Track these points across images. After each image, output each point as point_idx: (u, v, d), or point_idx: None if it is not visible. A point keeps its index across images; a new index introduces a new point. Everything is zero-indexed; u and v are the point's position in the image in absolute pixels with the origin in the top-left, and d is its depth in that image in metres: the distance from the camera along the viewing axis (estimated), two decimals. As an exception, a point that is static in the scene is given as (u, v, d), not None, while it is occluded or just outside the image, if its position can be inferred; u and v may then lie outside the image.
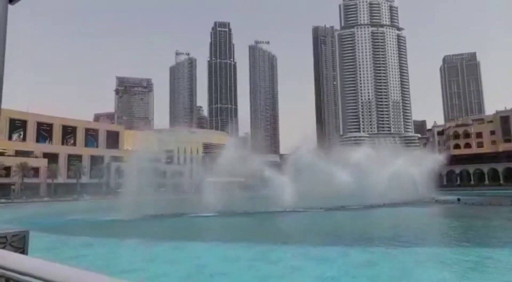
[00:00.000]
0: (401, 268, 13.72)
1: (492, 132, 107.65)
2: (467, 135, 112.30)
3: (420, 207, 44.51)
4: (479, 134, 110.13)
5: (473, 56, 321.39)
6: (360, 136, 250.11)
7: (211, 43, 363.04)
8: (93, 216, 38.24)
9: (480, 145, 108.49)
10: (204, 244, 20.42)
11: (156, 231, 27.16)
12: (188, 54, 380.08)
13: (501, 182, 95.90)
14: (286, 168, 54.99)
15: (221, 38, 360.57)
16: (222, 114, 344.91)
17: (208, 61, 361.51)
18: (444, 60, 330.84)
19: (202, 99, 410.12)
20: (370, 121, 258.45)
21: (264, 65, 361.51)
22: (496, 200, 50.43)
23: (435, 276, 12.48)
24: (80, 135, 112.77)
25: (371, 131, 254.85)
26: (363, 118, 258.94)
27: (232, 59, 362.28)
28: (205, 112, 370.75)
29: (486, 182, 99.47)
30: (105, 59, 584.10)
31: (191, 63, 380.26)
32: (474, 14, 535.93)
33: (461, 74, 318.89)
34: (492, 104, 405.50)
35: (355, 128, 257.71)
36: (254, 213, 39.33)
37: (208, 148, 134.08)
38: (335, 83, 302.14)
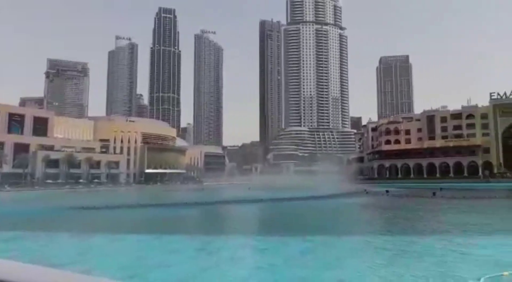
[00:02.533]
0: (337, 255, 14.52)
1: (419, 130, 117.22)
2: (397, 132, 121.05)
3: (353, 198, 47.35)
4: (407, 132, 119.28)
5: (406, 59, 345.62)
6: (301, 131, 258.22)
7: (154, 30, 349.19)
8: (18, 208, 35.27)
9: (408, 141, 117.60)
10: (143, 236, 19.85)
11: (89, 224, 25.80)
12: (129, 39, 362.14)
13: (425, 176, 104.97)
14: (230, 160, 55.06)
15: (165, 25, 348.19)
16: (163, 104, 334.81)
17: (151, 48, 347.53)
18: (380, 61, 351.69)
19: (143, 87, 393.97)
20: (311, 116, 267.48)
21: (210, 56, 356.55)
22: (419, 192, 55.25)
23: (367, 262, 13.40)
24: (3, 121, 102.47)
25: (311, 126, 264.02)
26: (304, 113, 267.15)
27: (176, 48, 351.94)
28: (146, 101, 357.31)
29: (412, 175, 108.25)
30: (37, 42, 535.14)
31: (132, 48, 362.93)
32: (409, 20, 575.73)
33: (394, 75, 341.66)
34: (420, 104, 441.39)
35: (296, 122, 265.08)
36: (195, 204, 39.01)
37: (148, 138, 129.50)
38: (279, 77, 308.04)
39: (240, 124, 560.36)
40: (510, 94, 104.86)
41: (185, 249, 16.08)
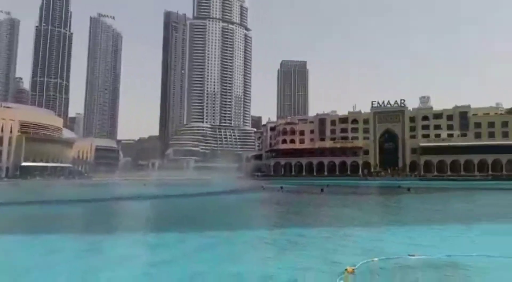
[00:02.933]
0: (233, 250, 14.79)
1: (312, 131, 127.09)
2: (293, 132, 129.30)
3: (251, 194, 49.05)
4: (302, 132, 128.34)
5: (304, 64, 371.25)
6: (203, 127, 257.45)
7: (42, 7, 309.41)
8: None
9: (302, 141, 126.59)
10: (19, 237, 17.43)
11: None
12: (8, 13, 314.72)
13: (315, 173, 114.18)
14: (125, 154, 51.97)
15: (55, 2, 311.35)
16: (49, 90, 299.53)
17: (37, 26, 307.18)
18: (281, 64, 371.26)
19: (24, 70, 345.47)
20: (214, 113, 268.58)
21: (107, 41, 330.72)
22: (309, 188, 59.92)
23: (261, 254, 13.95)
24: None
25: (213, 122, 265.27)
26: (207, 110, 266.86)
27: (67, 29, 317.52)
28: (27, 85, 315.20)
29: (304, 173, 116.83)
30: None
31: (13, 25, 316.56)
32: (308, 26, 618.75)
33: (293, 79, 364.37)
34: (314, 108, 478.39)
35: (199, 118, 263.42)
36: (81, 202, 35.82)
37: (26, 127, 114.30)
38: (183, 71, 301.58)
39: (138, 117, 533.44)
40: (387, 104, 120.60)
41: (69, 249, 14.62)
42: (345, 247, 14.93)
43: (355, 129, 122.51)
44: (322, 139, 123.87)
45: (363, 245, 15.06)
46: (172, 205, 36.06)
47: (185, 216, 26.58)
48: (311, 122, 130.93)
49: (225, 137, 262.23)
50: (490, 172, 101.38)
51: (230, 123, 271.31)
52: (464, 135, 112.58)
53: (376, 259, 11.67)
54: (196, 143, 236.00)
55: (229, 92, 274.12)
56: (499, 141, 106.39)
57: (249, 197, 44.74)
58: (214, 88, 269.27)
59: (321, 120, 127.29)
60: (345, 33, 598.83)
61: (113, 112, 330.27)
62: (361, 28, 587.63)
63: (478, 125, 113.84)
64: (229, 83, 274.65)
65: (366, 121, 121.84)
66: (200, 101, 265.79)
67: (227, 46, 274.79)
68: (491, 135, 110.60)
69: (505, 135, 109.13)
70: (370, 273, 10.60)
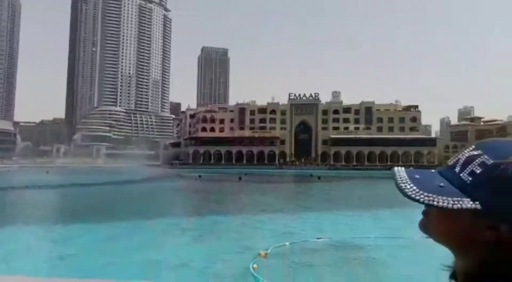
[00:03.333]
0: (147, 238, 14.29)
1: (232, 120, 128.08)
2: (213, 120, 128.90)
3: (168, 182, 47.90)
4: (222, 121, 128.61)
5: (225, 52, 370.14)
6: (116, 111, 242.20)
7: None
8: None
9: (222, 129, 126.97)
10: None
11: None
12: None
13: (234, 162, 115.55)
14: (24, 138, 46.61)
15: None
16: None
17: None
18: (202, 50, 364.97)
19: None
20: (129, 96, 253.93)
21: (1, 10, 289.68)
22: (228, 177, 60.63)
23: (175, 241, 13.74)
24: None
25: (128, 107, 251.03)
26: (121, 93, 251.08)
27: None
28: None
29: (223, 162, 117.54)
30: None
31: None
32: (232, 13, 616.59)
33: (214, 66, 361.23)
34: (235, 97, 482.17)
35: (111, 101, 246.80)
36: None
37: None
38: (94, 49, 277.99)
39: (41, 97, 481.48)
40: (303, 97, 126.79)
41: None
42: (259, 233, 15.49)
43: (273, 120, 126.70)
44: (242, 128, 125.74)
45: (275, 231, 15.75)
46: (80, 194, 33.48)
47: (95, 206, 24.88)
48: (231, 111, 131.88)
49: (140, 123, 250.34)
50: (389, 163, 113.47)
51: (147, 108, 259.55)
52: (368, 128, 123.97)
53: (287, 243, 12.37)
54: (108, 128, 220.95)
55: (146, 76, 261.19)
56: (396, 135, 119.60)
57: (165, 186, 43.62)
58: (130, 70, 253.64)
59: (241, 109, 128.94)
60: (269, 23, 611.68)
61: (9, 89, 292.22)
62: (286, 19, 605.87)
63: (380, 120, 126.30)
64: (146, 66, 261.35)
65: (283, 113, 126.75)
66: (113, 83, 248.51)
67: (144, 26, 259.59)
68: (391, 129, 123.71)
69: (402, 129, 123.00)
70: (282, 256, 11.17)
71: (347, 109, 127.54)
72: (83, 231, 15.35)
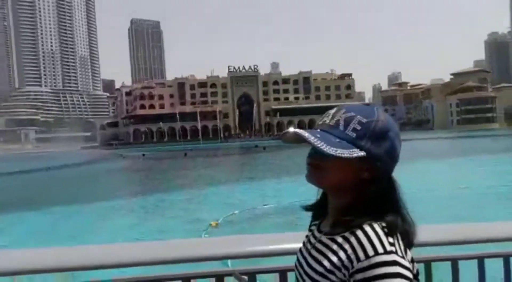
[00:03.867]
0: (88, 223, 13.61)
1: (171, 96, 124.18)
2: (151, 97, 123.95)
3: (109, 164, 45.77)
4: (161, 97, 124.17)
5: (157, 24, 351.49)
6: (41, 92, 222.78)
7: None
8: None
9: (162, 106, 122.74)
10: None
11: None
12: None
13: (178, 138, 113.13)
14: None
15: None
16: None
17: None
18: (132, 23, 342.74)
19: None
20: (54, 75, 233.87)
21: None
22: (173, 154, 59.43)
23: (120, 222, 13.28)
24: None
25: (55, 86, 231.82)
26: (45, 71, 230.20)
27: None
28: None
29: (166, 139, 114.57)
30: None
31: None
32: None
33: (147, 40, 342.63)
34: (172, 71, 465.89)
35: (35, 81, 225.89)
36: None
37: None
38: (6, 23, 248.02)
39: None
40: (243, 69, 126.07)
41: None
42: (207, 205, 15.53)
43: (214, 94, 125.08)
44: (183, 103, 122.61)
45: (223, 202, 15.88)
46: (8, 184, 30.78)
47: (27, 194, 23.05)
48: (170, 86, 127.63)
49: (71, 104, 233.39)
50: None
51: (77, 87, 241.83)
52: (307, 98, 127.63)
53: (236, 212, 12.61)
54: (34, 110, 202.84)
55: (72, 52, 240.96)
56: (333, 102, 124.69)
57: (106, 167, 41.64)
58: (52, 47, 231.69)
59: (180, 84, 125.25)
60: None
61: None
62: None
63: (317, 89, 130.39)
64: (71, 41, 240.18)
65: (224, 86, 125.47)
66: (35, 61, 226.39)
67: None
68: (328, 97, 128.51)
69: (338, 97, 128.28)
70: (232, 224, 11.35)
71: (286, 80, 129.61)
72: (14, 221, 14.20)
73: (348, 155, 0.87)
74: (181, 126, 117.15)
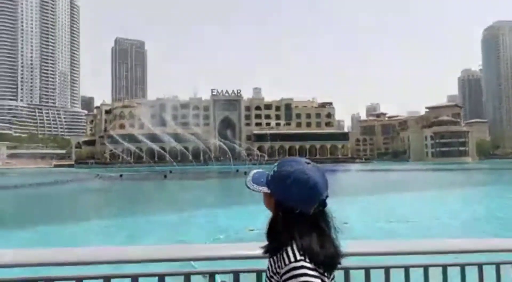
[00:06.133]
0: (57, 245, 12.88)
1: (152, 116, 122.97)
2: (131, 116, 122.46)
3: (84, 183, 44.26)
4: (141, 117, 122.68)
5: (142, 44, 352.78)
6: (17, 106, 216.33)
7: None
8: None
9: (142, 126, 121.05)
10: None
11: None
12: None
13: (156, 160, 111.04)
14: None
15: None
16: None
17: None
18: (116, 41, 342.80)
19: None
20: (32, 90, 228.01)
21: None
22: (152, 175, 58.22)
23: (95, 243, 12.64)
24: None
25: (31, 101, 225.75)
26: (22, 85, 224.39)
27: None
28: None
29: (144, 159, 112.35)
30: None
31: None
32: (146, 6, 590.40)
33: (130, 59, 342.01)
34: (154, 91, 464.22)
35: (11, 95, 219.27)
36: None
37: None
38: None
39: None
40: (226, 93, 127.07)
41: None
42: (192, 228, 15.16)
43: (196, 116, 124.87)
44: (163, 124, 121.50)
45: (208, 225, 15.58)
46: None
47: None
48: (152, 106, 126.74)
49: (47, 120, 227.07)
50: (307, 156, 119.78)
51: (54, 103, 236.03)
52: (288, 124, 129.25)
53: (221, 236, 12.37)
54: (8, 125, 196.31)
55: (52, 67, 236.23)
56: (314, 130, 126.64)
57: (82, 187, 40.19)
58: (32, 60, 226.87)
59: (162, 105, 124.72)
60: (184, 19, 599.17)
61: None
62: (208, 14, 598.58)
63: (298, 116, 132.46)
64: (52, 56, 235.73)
65: (206, 108, 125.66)
66: (12, 74, 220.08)
67: (47, 12, 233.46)
68: (309, 125, 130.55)
69: (318, 125, 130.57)
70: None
71: (268, 106, 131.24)
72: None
73: (257, 190, 1.39)
74: (161, 147, 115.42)
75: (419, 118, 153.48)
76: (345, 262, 1.43)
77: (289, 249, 1.23)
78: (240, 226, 14.55)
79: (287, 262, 1.20)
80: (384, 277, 2.26)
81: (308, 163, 1.38)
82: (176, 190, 35.50)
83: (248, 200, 25.85)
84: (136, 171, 74.44)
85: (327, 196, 1.35)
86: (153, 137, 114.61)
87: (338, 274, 1.68)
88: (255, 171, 1.44)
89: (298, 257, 1.20)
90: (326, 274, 1.22)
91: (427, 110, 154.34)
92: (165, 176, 50.41)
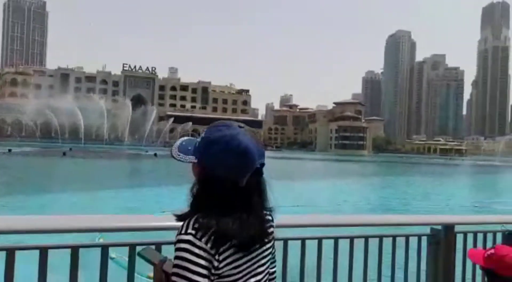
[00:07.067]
0: None
1: (51, 86, 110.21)
2: (26, 85, 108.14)
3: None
4: (38, 86, 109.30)
5: (43, 4, 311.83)
6: None
7: None
8: None
9: (37, 96, 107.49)
10: None
11: None
12: None
13: (53, 135, 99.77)
14: None
15: None
16: None
17: None
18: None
19: None
20: None
21: None
22: (48, 152, 52.28)
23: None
24: None
25: None
26: None
27: None
28: None
29: (38, 135, 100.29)
30: None
31: None
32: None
33: (27, 19, 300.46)
34: (55, 59, 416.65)
35: None
36: None
37: None
38: None
39: None
40: (139, 69, 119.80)
41: None
42: (99, 210, 13.84)
43: (103, 90, 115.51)
44: (64, 97, 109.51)
45: (111, 207, 14.54)
46: None
47: None
48: (51, 76, 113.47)
49: None
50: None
51: None
52: (204, 108, 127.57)
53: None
54: None
55: None
56: (229, 116, 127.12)
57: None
58: None
59: (64, 75, 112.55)
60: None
61: None
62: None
63: (215, 100, 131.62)
64: None
65: (116, 84, 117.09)
66: None
67: None
68: (225, 110, 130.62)
69: (234, 111, 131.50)
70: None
71: (184, 87, 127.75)
72: None
73: (183, 160, 1.20)
74: (60, 122, 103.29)
75: (327, 112, 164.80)
76: (283, 233, 1.40)
77: (188, 220, 1.14)
78: (154, 208, 13.73)
79: (178, 232, 1.13)
80: (317, 246, 2.54)
81: (241, 127, 1.23)
82: (74, 170, 32.30)
83: (154, 182, 24.74)
84: (29, 146, 66.05)
85: (263, 164, 1.23)
86: (52, 111, 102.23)
87: (279, 244, 1.75)
88: (183, 138, 1.27)
89: (189, 230, 1.10)
90: (224, 254, 1.11)
91: (334, 105, 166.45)
92: (64, 153, 45.74)
